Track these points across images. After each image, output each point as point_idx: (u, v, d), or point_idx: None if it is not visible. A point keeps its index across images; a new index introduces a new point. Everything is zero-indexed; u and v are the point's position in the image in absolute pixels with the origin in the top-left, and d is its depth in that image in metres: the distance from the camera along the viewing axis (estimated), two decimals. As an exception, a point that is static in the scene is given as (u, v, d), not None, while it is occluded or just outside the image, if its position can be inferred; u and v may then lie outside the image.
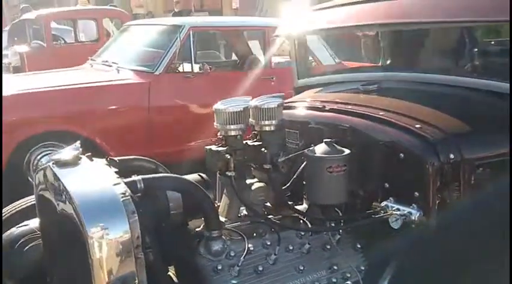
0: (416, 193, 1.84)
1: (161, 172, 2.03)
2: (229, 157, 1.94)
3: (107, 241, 1.49)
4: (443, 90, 2.16)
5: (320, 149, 1.93)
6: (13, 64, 8.47)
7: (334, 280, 1.92)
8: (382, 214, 1.87)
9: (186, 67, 5.29)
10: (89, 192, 1.56)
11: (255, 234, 1.91)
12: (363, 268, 1.99)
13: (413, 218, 1.83)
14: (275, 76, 5.46)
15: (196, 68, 5.23)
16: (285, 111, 2.16)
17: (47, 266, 1.95)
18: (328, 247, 1.96)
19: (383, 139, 1.95)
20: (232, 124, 1.94)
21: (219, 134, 2.01)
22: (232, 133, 1.97)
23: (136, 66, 5.41)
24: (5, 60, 8.79)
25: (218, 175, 2.08)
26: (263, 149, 2.01)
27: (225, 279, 1.77)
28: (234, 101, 1.98)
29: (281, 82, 5.13)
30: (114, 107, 4.94)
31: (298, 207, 2.07)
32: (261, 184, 2.05)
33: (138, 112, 5.03)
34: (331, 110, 2.20)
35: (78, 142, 1.73)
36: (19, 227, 2.11)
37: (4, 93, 4.40)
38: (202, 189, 1.80)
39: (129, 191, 1.56)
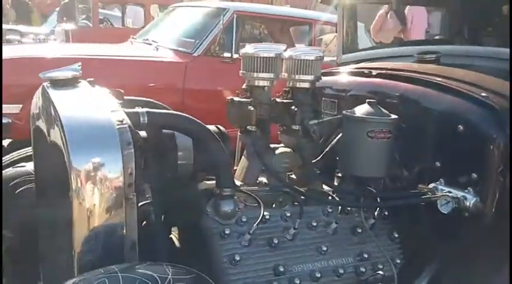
0: (474, 175, 1.51)
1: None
2: (252, 109, 1.66)
3: (94, 175, 1.23)
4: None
5: (361, 110, 1.62)
6: (58, 41, 8.48)
7: (362, 270, 1.60)
8: (429, 195, 1.54)
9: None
10: (80, 116, 1.31)
11: (273, 203, 1.62)
12: (398, 261, 1.66)
13: (467, 204, 1.50)
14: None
15: (235, 54, 4.99)
16: (323, 79, 1.87)
17: (37, 212, 1.72)
18: (359, 230, 1.65)
19: (438, 107, 1.63)
20: (260, 72, 1.67)
21: (244, 84, 1.74)
22: (260, 83, 1.70)
23: (175, 46, 5.22)
24: (50, 37, 8.81)
25: (239, 133, 1.81)
26: (293, 107, 1.72)
27: (231, 246, 1.49)
28: (265, 46, 1.70)
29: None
30: (146, 84, 4.74)
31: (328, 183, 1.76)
32: (287, 149, 1.77)
33: (171, 92, 4.82)
34: (379, 75, 1.89)
35: (79, 63, 1.48)
36: (15, 167, 1.89)
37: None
38: (218, 138, 1.52)
39: (128, 121, 1.30)
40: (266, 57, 1.66)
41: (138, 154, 1.26)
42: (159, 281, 1.06)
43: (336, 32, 2.98)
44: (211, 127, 1.63)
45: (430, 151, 1.63)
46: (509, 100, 1.52)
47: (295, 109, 1.71)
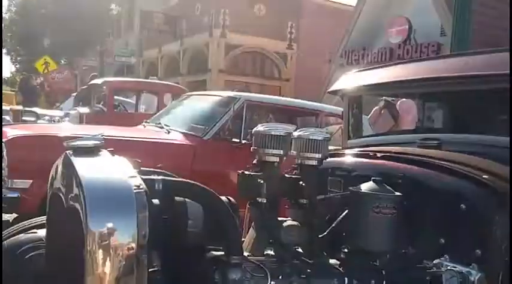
0: (478, 251, 1.54)
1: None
2: (262, 182, 1.73)
3: (109, 236, 1.28)
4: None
5: (367, 186, 1.69)
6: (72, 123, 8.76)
7: None
8: (435, 270, 1.56)
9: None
10: (100, 180, 1.38)
11: (280, 275, 1.64)
12: None
13: (472, 279, 1.52)
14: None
15: (244, 139, 5.15)
16: (330, 159, 1.97)
17: (46, 277, 1.74)
18: (366, 305, 1.65)
19: (441, 187, 1.70)
20: (270, 148, 1.76)
21: (255, 160, 1.83)
22: (270, 159, 1.78)
23: (186, 129, 5.40)
24: (65, 120, 9.12)
25: (248, 206, 1.87)
26: (301, 183, 1.80)
27: (237, 316, 1.49)
28: (276, 126, 1.81)
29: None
30: (156, 163, 4.85)
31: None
32: (294, 223, 1.81)
33: (180, 173, 4.91)
34: (383, 157, 1.98)
35: (102, 133, 1.59)
36: (27, 233, 1.94)
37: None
38: (228, 207, 1.58)
39: (144, 186, 1.37)
40: (277, 135, 1.76)
41: (151, 218, 1.32)
42: None
43: (341, 124, 3.14)
44: (222, 198, 1.70)
45: (434, 229, 1.68)
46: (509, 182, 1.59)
47: (303, 184, 1.78)
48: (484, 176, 1.64)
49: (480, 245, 1.54)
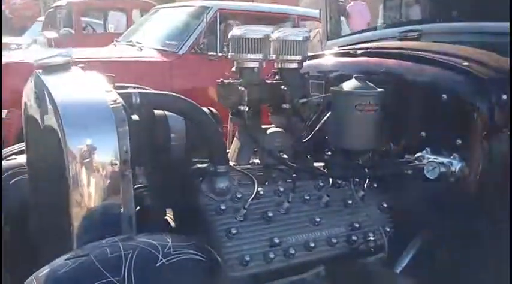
0: (459, 141, 1.56)
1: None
2: (243, 89, 1.69)
3: (90, 154, 1.25)
4: (493, 39, 1.87)
5: (349, 85, 1.67)
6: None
7: (354, 238, 1.65)
8: (416, 163, 1.58)
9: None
10: (74, 97, 1.33)
11: (267, 181, 1.65)
12: (388, 229, 1.71)
13: (453, 169, 1.55)
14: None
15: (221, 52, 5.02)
16: (309, 62, 1.92)
17: (30, 202, 1.73)
18: (350, 202, 1.69)
19: (422, 79, 1.68)
20: (249, 53, 1.70)
21: (234, 67, 1.78)
22: (249, 64, 1.73)
23: (160, 45, 5.23)
24: (32, 47, 8.76)
25: (230, 116, 1.84)
26: (283, 87, 1.77)
27: (228, 221, 1.52)
28: (253, 28, 1.74)
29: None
30: (132, 84, 4.74)
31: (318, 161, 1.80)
32: (278, 129, 1.80)
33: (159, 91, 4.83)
34: (364, 54, 1.94)
35: (70, 48, 1.51)
36: (7, 160, 1.90)
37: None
38: (211, 117, 1.55)
39: (121, 100, 1.33)
40: (254, 38, 1.69)
41: (132, 131, 1.29)
42: (160, 248, 1.09)
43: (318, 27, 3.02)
44: (203, 109, 1.67)
45: (416, 122, 1.68)
46: (490, 68, 1.57)
47: (285, 88, 1.75)
48: (464, 63, 1.62)
49: (461, 135, 1.55)
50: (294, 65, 1.79)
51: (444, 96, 1.59)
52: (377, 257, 1.66)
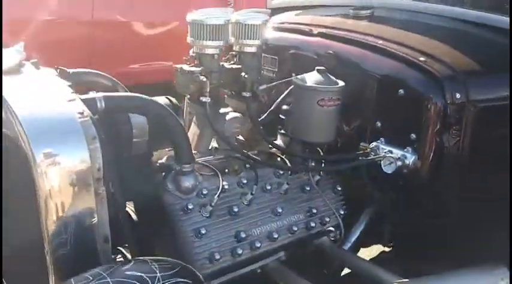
0: (413, 135, 1.64)
1: (119, 91, 1.70)
2: (205, 79, 1.64)
3: (59, 170, 1.18)
4: (445, 22, 1.93)
5: (311, 78, 1.67)
6: None
7: (312, 224, 1.74)
8: (374, 157, 1.66)
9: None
10: (37, 109, 1.22)
11: (227, 170, 1.67)
12: (342, 212, 1.82)
13: (407, 162, 1.64)
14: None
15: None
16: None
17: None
18: (308, 188, 1.77)
19: (380, 72, 1.71)
20: (209, 40, 1.64)
21: (192, 51, 1.70)
22: (209, 51, 1.67)
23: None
24: None
25: (187, 100, 1.79)
26: (243, 74, 1.73)
27: (195, 220, 1.54)
28: (212, 12, 1.66)
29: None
30: (50, 18, 4.36)
31: (275, 143, 1.83)
32: (237, 114, 1.79)
33: (79, 25, 4.49)
34: (320, 35, 1.93)
35: (22, 43, 1.36)
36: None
37: None
38: (174, 113, 1.50)
39: (87, 110, 1.24)
40: (215, 25, 1.62)
41: (103, 148, 1.23)
42: (149, 282, 1.09)
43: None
44: (163, 99, 1.60)
45: (372, 112, 1.74)
46: (447, 65, 1.64)
47: (246, 75, 1.72)
48: (420, 58, 1.67)
49: (415, 130, 1.63)
50: (253, 50, 1.76)
51: (401, 91, 1.64)
52: (331, 237, 1.78)
